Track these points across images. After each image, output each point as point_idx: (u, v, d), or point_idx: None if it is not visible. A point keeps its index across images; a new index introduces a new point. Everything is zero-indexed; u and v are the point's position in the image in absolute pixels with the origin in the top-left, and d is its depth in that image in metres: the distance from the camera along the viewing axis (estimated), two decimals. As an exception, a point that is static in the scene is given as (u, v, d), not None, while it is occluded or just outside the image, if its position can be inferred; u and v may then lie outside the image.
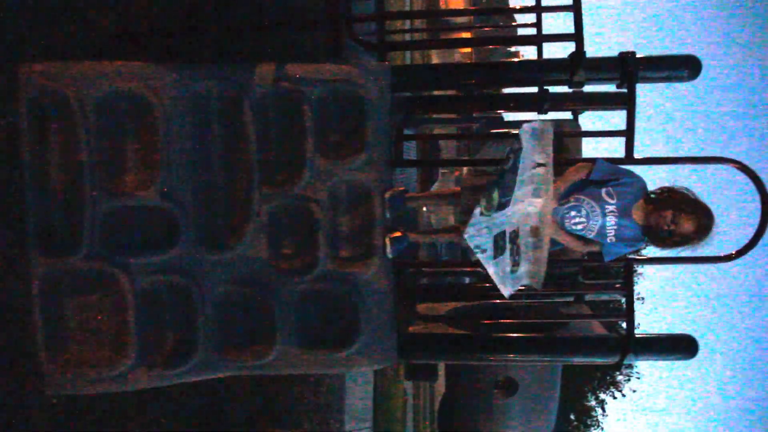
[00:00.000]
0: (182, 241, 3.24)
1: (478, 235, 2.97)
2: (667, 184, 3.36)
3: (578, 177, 3.42)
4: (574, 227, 3.39)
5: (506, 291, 3.12)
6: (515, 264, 3.05)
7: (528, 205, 3.16)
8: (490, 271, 3.04)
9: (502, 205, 3.01)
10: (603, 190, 3.37)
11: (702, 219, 3.24)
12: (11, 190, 3.13)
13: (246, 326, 3.42)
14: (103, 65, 3.13)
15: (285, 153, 3.35)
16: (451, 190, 4.19)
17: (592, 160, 3.41)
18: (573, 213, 3.38)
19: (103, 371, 3.19)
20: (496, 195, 2.98)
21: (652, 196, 3.35)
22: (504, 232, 3.06)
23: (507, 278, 3.13)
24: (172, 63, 3.20)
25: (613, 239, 3.38)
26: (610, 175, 3.39)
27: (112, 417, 3.67)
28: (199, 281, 3.28)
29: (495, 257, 3.02)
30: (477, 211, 2.95)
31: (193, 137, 3.26)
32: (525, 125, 3.05)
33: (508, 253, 3.07)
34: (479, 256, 3.00)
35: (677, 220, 3.23)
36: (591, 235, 3.39)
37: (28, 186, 3.10)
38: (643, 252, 4.03)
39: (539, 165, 3.11)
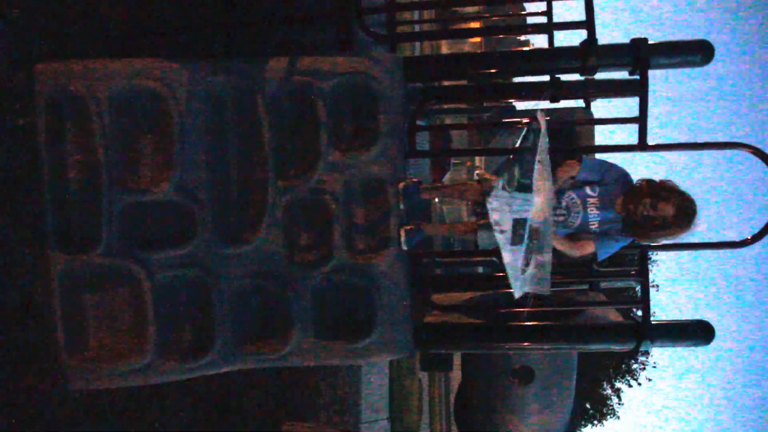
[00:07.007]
0: (199, 235, 3.26)
1: (499, 210, 2.85)
2: (646, 176, 3.31)
3: (568, 176, 3.36)
4: (555, 218, 3.30)
5: (516, 290, 3.00)
6: (526, 263, 2.91)
7: (531, 203, 2.97)
8: (506, 258, 2.93)
9: (523, 187, 2.87)
10: (587, 186, 3.34)
11: (682, 204, 3.19)
12: (29, 188, 3.16)
13: (263, 319, 3.45)
14: (118, 63, 3.15)
15: (299, 146, 3.37)
16: (465, 182, 4.15)
17: (579, 158, 3.37)
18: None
19: (123, 365, 3.22)
20: (518, 172, 2.86)
21: (633, 187, 3.30)
22: (525, 221, 2.91)
23: (518, 275, 2.98)
24: (186, 59, 3.22)
25: (597, 230, 3.33)
26: (597, 174, 3.34)
27: (131, 410, 3.71)
28: (216, 275, 3.31)
29: (512, 243, 2.89)
30: (500, 183, 2.84)
31: (208, 132, 3.28)
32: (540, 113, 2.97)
33: (524, 246, 2.92)
34: (497, 235, 2.88)
35: (656, 205, 3.18)
36: (572, 228, 3.34)
37: (45, 184, 3.13)
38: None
39: (537, 162, 2.99)
